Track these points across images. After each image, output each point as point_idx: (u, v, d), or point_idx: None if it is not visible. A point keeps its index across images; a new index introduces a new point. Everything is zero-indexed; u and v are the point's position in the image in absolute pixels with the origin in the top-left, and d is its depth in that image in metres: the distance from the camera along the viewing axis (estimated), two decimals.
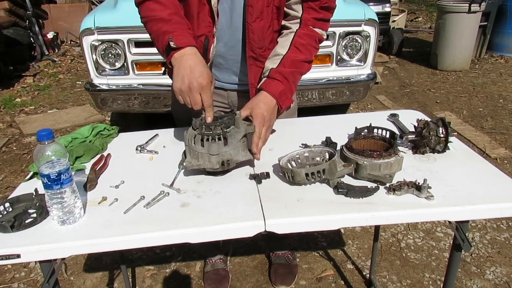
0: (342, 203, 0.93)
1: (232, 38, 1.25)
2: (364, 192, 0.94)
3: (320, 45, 2.87)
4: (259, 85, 1.21)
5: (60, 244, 0.84)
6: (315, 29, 1.23)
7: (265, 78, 1.21)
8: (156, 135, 1.37)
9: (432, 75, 5.12)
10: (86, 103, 4.45)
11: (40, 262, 0.89)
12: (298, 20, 1.22)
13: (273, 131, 1.30)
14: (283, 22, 1.25)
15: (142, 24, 1.14)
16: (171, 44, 1.00)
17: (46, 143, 0.83)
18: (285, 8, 1.23)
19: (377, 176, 0.98)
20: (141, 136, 1.36)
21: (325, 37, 1.27)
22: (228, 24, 1.22)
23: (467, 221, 0.98)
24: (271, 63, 1.22)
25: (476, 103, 4.12)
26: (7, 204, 0.96)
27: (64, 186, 0.85)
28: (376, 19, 2.72)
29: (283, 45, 1.23)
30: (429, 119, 1.20)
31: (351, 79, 2.81)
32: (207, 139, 1.03)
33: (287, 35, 1.24)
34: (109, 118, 3.98)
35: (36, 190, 0.98)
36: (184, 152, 1.10)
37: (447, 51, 5.11)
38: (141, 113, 2.90)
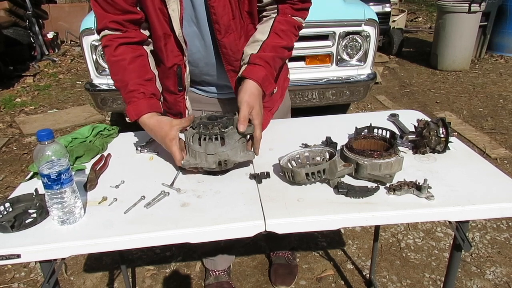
0: (342, 203, 0.93)
1: (211, 57, 1.24)
2: (364, 192, 0.94)
3: (320, 45, 2.85)
4: (240, 73, 1.17)
5: (60, 244, 0.84)
6: (293, 17, 1.22)
7: (246, 65, 1.17)
8: None
9: (432, 75, 5.12)
10: (86, 103, 4.45)
11: (40, 262, 0.89)
12: (276, 10, 1.20)
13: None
14: (264, 13, 1.23)
15: None
16: (127, 119, 1.09)
17: (46, 143, 0.83)
18: (260, 10, 1.22)
19: (377, 176, 0.98)
20: (141, 136, 1.36)
21: (303, 24, 1.26)
22: (202, 45, 1.22)
23: (467, 221, 0.98)
24: (250, 49, 1.18)
25: (476, 103, 4.12)
26: (7, 204, 0.96)
27: (64, 186, 0.85)
28: (376, 19, 2.72)
29: (262, 31, 1.20)
30: (429, 119, 1.19)
31: (351, 79, 2.81)
32: (204, 139, 1.03)
33: (266, 21, 1.21)
34: (109, 118, 3.98)
35: (36, 190, 0.98)
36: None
37: (447, 51, 5.11)
38: None
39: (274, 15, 1.20)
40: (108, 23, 1.13)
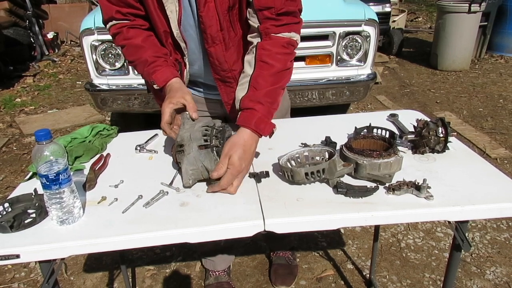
0: (341, 202, 0.93)
1: (204, 61, 1.25)
2: (363, 192, 0.94)
3: (320, 45, 2.82)
4: (236, 121, 1.09)
5: (59, 244, 0.84)
6: (278, 35, 1.11)
7: (240, 112, 1.09)
8: (156, 134, 1.37)
9: (432, 75, 5.12)
10: (86, 103, 4.45)
11: (40, 262, 0.89)
12: (257, 33, 1.12)
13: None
14: (248, 37, 1.16)
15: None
16: (155, 87, 1.15)
17: (44, 143, 0.83)
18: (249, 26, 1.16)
19: (376, 176, 0.98)
20: (141, 136, 1.36)
21: (295, 38, 1.14)
22: (198, 49, 1.23)
23: (467, 221, 0.98)
24: (241, 91, 1.11)
25: (476, 103, 4.12)
26: (6, 204, 0.96)
27: (63, 186, 0.85)
28: (376, 19, 2.72)
29: (250, 63, 1.12)
30: (428, 119, 1.19)
31: (351, 79, 2.81)
32: (203, 127, 1.04)
33: (252, 52, 1.13)
34: (109, 118, 3.98)
35: (35, 190, 0.98)
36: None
37: (447, 51, 5.11)
38: (141, 113, 2.90)
39: (257, 41, 1.12)
40: (114, 14, 1.16)
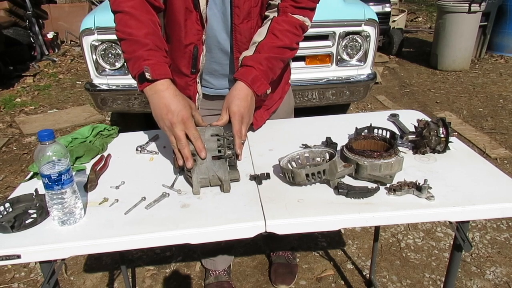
0: (342, 203, 0.93)
1: (227, 43, 1.23)
2: (364, 193, 0.94)
3: (320, 45, 2.82)
4: (234, 75, 1.18)
5: (60, 245, 0.84)
6: (294, 15, 1.19)
7: (239, 68, 1.17)
8: (156, 135, 1.37)
9: (432, 75, 5.12)
10: (86, 103, 4.45)
11: (40, 262, 0.89)
12: (276, 9, 1.19)
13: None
14: (266, 12, 1.22)
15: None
16: (147, 75, 1.01)
17: (47, 143, 0.83)
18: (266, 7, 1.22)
19: (377, 177, 0.98)
20: (141, 136, 1.36)
21: (307, 24, 1.22)
22: (221, 29, 1.20)
23: (468, 221, 0.98)
24: (247, 52, 1.18)
25: (476, 103, 4.12)
26: (7, 205, 0.96)
27: (65, 186, 0.85)
28: (376, 19, 2.72)
29: (260, 33, 1.19)
30: (429, 119, 1.19)
31: (351, 79, 2.81)
32: (214, 135, 1.04)
33: (266, 23, 1.20)
34: (109, 118, 3.98)
35: (36, 190, 0.98)
36: None
37: (447, 51, 5.11)
38: (141, 113, 2.90)
39: (273, 15, 1.19)
40: None
